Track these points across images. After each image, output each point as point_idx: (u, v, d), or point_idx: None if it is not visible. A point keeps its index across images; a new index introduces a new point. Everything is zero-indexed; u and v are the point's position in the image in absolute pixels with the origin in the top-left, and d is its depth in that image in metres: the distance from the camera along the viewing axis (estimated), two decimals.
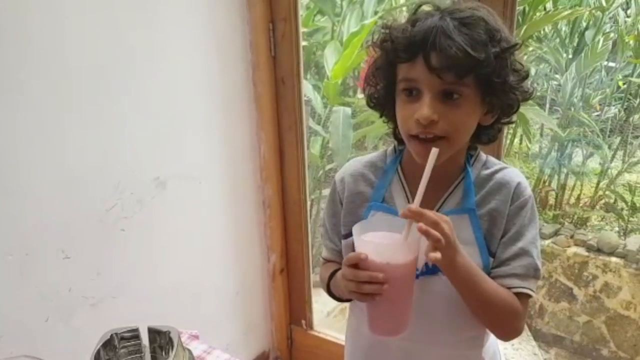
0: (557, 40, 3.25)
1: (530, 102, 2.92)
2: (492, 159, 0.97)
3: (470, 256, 0.87)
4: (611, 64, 3.32)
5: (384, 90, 0.90)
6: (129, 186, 1.40)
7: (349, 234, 0.93)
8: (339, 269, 0.93)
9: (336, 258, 1.02)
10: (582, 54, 2.73)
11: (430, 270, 0.91)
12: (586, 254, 2.70)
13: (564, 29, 3.31)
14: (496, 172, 0.93)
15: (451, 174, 0.93)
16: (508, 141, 3.44)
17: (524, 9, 2.76)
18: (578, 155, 3.35)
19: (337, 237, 1.02)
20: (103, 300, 1.41)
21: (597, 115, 3.29)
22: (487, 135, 0.92)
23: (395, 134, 0.96)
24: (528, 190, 0.92)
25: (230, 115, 1.67)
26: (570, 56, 3.12)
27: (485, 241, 0.91)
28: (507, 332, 0.93)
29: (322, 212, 1.86)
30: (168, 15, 1.43)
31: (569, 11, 2.41)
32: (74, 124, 1.27)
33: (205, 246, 1.68)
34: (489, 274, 0.90)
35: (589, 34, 2.88)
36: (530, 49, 3.22)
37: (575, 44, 3.14)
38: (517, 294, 0.89)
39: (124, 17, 1.32)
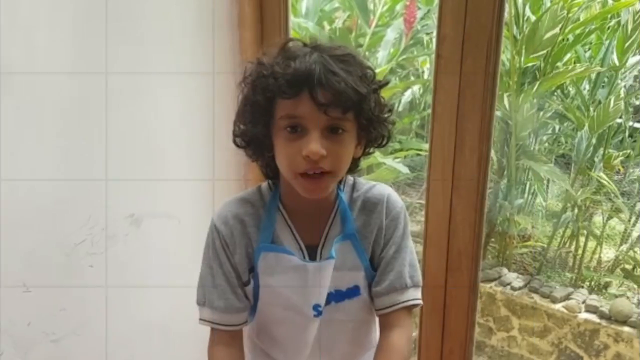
0: (579, 98, 3.18)
1: (544, 159, 2.87)
2: (359, 180, 1.01)
3: (356, 280, 0.95)
4: (637, 125, 3.25)
5: (258, 129, 0.88)
6: (100, 221, 1.38)
7: (249, 280, 0.96)
8: None
9: (232, 313, 0.98)
10: (595, 113, 2.66)
11: (327, 301, 0.96)
12: (598, 321, 2.56)
13: (587, 87, 3.25)
14: (366, 191, 0.97)
15: (327, 204, 0.96)
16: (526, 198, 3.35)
17: (540, 64, 2.73)
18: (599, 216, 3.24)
19: (235, 287, 0.97)
20: (65, 337, 1.37)
21: (619, 177, 3.18)
22: (355, 166, 0.95)
23: (267, 173, 0.96)
24: (399, 202, 0.97)
25: (216, 154, 1.65)
26: (591, 114, 3.06)
27: (371, 261, 0.96)
28: None
29: None
30: (153, 49, 1.44)
31: (581, 69, 2.36)
32: (45, 154, 1.26)
33: (181, 289, 1.63)
34: (372, 294, 0.97)
35: (602, 92, 2.81)
36: (553, 105, 3.17)
37: (596, 103, 3.08)
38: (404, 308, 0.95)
39: (104, 48, 1.33)
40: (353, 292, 0.97)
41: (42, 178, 1.27)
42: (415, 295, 0.97)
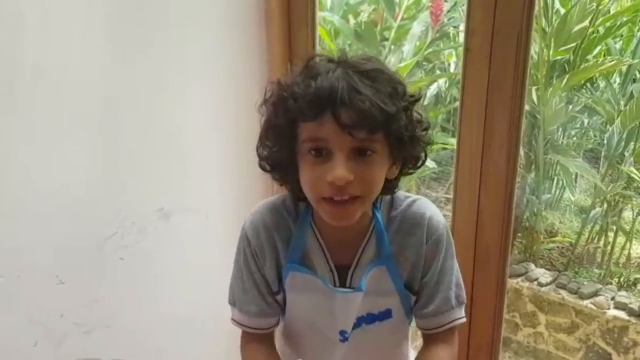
0: (610, 91, 3.13)
1: (573, 153, 2.83)
2: (398, 195, 0.92)
3: (390, 303, 0.91)
4: None
5: (282, 152, 0.83)
6: (130, 216, 1.41)
7: (279, 291, 0.94)
8: None
9: (262, 317, 0.97)
10: (627, 107, 2.61)
11: (356, 324, 0.93)
12: (627, 318, 2.52)
13: (617, 80, 3.19)
14: (405, 210, 0.90)
15: (361, 226, 0.90)
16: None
17: (569, 57, 2.68)
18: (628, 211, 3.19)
19: (265, 295, 0.96)
20: (96, 329, 1.40)
21: None
22: (391, 187, 0.88)
23: (296, 195, 0.90)
24: (440, 223, 0.90)
25: (242, 150, 1.65)
26: (622, 108, 3.00)
27: (406, 286, 0.92)
28: None
29: None
30: (183, 51, 1.45)
31: (612, 62, 2.31)
32: (78, 151, 1.29)
33: (208, 281, 1.65)
34: (410, 306, 0.94)
35: (636, 87, 2.75)
36: (582, 99, 3.12)
37: (627, 96, 3.02)
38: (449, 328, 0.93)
39: (134, 47, 1.35)
40: (384, 315, 0.94)
41: (75, 174, 1.29)
42: (459, 315, 0.94)
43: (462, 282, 0.95)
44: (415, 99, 0.81)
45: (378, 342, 0.97)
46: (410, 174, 0.90)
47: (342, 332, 0.94)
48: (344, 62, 0.79)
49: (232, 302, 0.99)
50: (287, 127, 0.80)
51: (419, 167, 0.89)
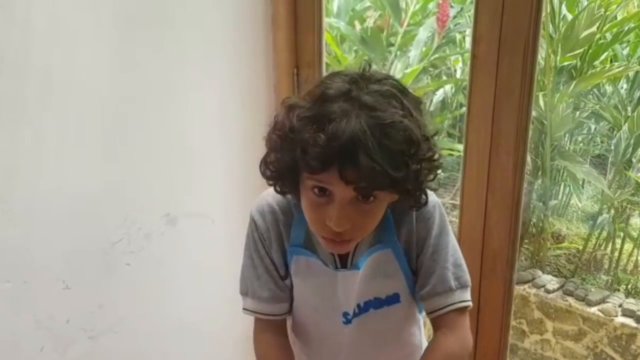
0: (617, 97, 3.11)
1: (580, 159, 2.81)
2: None
3: (397, 287, 0.92)
4: None
5: (285, 181, 0.84)
6: (137, 221, 1.41)
7: (287, 274, 0.96)
8: None
9: (276, 303, 0.98)
10: (634, 113, 2.59)
11: (363, 309, 0.93)
12: (635, 325, 2.50)
13: (624, 86, 3.18)
14: None
15: None
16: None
17: (576, 63, 2.67)
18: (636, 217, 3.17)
19: (277, 278, 0.97)
20: (102, 334, 1.40)
21: None
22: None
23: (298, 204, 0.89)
24: (430, 199, 0.88)
25: (249, 155, 1.66)
26: (629, 114, 2.98)
27: (410, 266, 0.92)
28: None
29: None
30: (190, 57, 1.45)
31: (619, 68, 2.30)
32: (85, 156, 1.29)
33: (214, 287, 1.65)
34: (417, 297, 0.94)
35: None
36: (589, 104, 3.11)
37: (634, 102, 3.00)
38: (454, 310, 0.91)
39: (143, 53, 1.35)
40: (392, 299, 0.94)
41: (81, 179, 1.30)
42: (463, 297, 0.92)
43: (462, 263, 0.93)
44: (431, 159, 0.79)
45: (387, 328, 0.97)
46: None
47: (345, 314, 0.95)
48: (359, 101, 0.73)
49: (244, 292, 0.99)
50: (291, 164, 0.78)
51: (418, 208, 0.87)
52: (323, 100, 0.75)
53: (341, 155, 0.71)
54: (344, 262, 0.93)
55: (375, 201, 0.78)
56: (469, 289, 0.93)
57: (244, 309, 1.00)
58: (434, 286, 0.91)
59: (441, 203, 0.93)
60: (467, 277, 0.93)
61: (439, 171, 0.84)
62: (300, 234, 0.93)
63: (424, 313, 1.01)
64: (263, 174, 0.85)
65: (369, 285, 0.93)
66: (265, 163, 0.84)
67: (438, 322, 0.93)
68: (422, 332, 1.06)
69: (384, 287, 0.94)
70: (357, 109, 0.72)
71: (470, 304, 0.92)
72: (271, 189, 0.93)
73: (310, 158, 0.72)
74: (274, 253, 0.95)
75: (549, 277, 2.98)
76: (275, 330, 1.00)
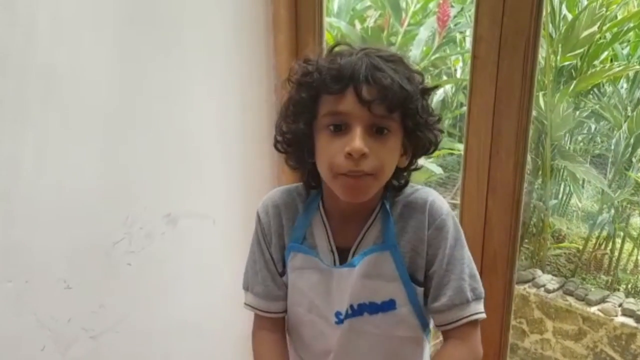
0: (617, 97, 3.12)
1: (580, 159, 2.82)
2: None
3: (393, 292, 0.90)
4: None
5: (302, 128, 0.87)
6: (138, 221, 1.41)
7: (284, 272, 0.97)
8: None
9: (271, 300, 1.00)
10: (634, 113, 2.60)
11: (357, 311, 0.92)
12: (635, 325, 2.51)
13: (624, 85, 3.19)
14: (408, 196, 0.92)
15: (368, 209, 0.92)
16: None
17: (577, 63, 2.68)
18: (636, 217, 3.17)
19: (275, 275, 0.99)
20: (104, 334, 1.40)
21: None
22: (400, 177, 0.92)
23: (308, 181, 0.95)
24: (444, 208, 0.90)
25: (250, 156, 1.67)
26: (629, 114, 2.99)
27: (409, 273, 0.90)
28: None
29: None
30: (191, 57, 1.46)
31: (619, 68, 2.31)
32: (86, 156, 1.30)
33: (215, 287, 1.66)
34: (421, 303, 0.92)
35: None
36: (589, 104, 3.11)
37: (634, 102, 3.01)
38: (467, 323, 0.89)
39: (145, 54, 1.35)
40: (388, 305, 0.92)
41: (82, 179, 1.30)
42: (477, 309, 0.90)
43: (477, 274, 0.92)
44: (431, 87, 0.87)
45: (381, 336, 0.94)
46: (418, 168, 0.94)
47: (337, 314, 0.94)
48: (366, 49, 0.84)
49: (245, 286, 1.02)
50: (308, 102, 0.84)
51: (429, 153, 0.91)
52: (335, 51, 0.86)
53: (356, 74, 0.79)
54: (343, 262, 0.93)
55: (389, 134, 0.83)
56: (482, 301, 0.91)
57: (244, 303, 1.02)
58: (451, 298, 0.88)
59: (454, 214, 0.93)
60: (482, 289, 0.92)
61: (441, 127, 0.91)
62: (302, 231, 0.95)
63: (430, 336, 0.99)
64: (279, 144, 0.91)
65: (363, 286, 0.91)
66: (280, 133, 0.90)
67: (449, 333, 0.91)
68: (427, 355, 1.02)
69: (379, 290, 0.92)
70: (365, 51, 0.83)
71: (484, 315, 0.90)
72: (278, 189, 0.97)
73: (328, 80, 0.81)
74: (273, 248, 0.97)
75: (549, 276, 2.99)
76: (273, 328, 1.01)
